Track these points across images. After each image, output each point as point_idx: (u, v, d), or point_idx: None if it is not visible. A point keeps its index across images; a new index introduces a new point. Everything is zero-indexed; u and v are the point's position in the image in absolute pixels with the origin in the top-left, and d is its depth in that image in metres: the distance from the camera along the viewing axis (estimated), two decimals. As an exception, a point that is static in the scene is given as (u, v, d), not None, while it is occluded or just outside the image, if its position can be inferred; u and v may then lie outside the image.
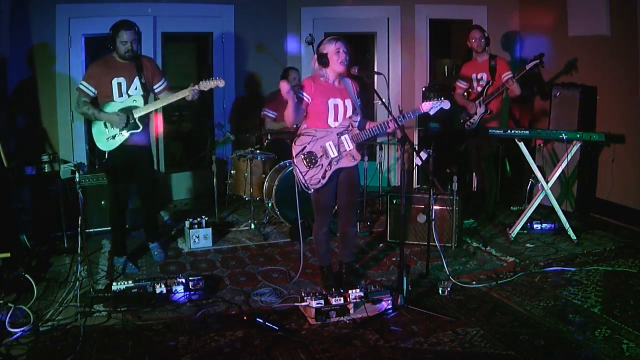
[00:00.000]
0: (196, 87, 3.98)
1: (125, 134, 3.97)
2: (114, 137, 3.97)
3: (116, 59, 3.97)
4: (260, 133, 5.67)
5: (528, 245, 4.63)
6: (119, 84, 3.94)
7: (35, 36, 5.40)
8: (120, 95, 3.96)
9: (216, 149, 6.14)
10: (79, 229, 3.63)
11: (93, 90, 3.94)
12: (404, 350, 2.95)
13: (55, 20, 5.48)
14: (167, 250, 4.54)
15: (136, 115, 3.96)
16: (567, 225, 4.65)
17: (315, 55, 3.49)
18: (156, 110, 4.92)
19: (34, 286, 3.49)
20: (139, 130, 4.00)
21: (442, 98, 3.52)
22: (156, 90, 4.15)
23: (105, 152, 3.99)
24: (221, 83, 4.00)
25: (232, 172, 5.49)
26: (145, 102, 4.03)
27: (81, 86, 3.94)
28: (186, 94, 3.97)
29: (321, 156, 3.52)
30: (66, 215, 4.49)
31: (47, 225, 4.62)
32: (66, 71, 5.59)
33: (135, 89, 4.00)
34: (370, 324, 3.22)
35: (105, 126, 3.97)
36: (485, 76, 5.08)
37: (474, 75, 5.17)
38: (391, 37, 6.72)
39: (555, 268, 4.06)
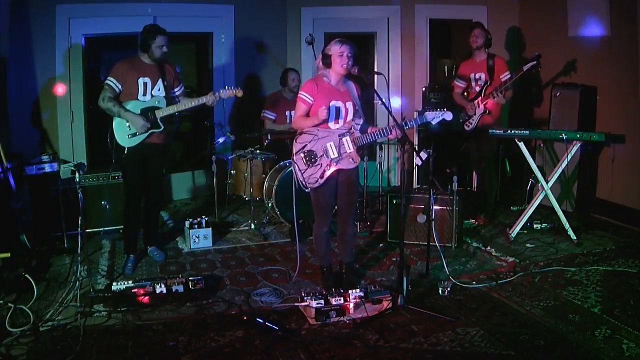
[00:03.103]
0: (217, 94, 4.15)
1: (146, 133, 4.07)
2: (134, 134, 4.05)
3: (142, 60, 4.09)
4: (261, 133, 5.67)
5: (528, 245, 4.63)
6: (145, 84, 4.06)
7: (35, 36, 5.40)
8: (145, 94, 4.07)
9: (216, 149, 6.14)
10: (79, 229, 3.63)
11: (120, 87, 4.04)
12: (404, 350, 2.95)
13: (55, 20, 5.48)
14: (166, 250, 4.54)
15: (158, 116, 4.09)
16: (567, 225, 4.65)
17: (320, 55, 3.51)
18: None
19: (34, 286, 3.49)
20: (160, 130, 4.12)
21: (445, 109, 3.54)
22: (174, 95, 4.26)
23: (125, 147, 4.07)
24: (239, 93, 4.20)
25: (232, 172, 5.50)
26: (167, 104, 4.15)
27: (109, 82, 4.02)
28: (206, 100, 4.15)
29: (321, 156, 3.53)
30: (66, 215, 4.49)
31: (47, 225, 4.62)
32: (66, 71, 5.59)
33: (159, 90, 4.12)
34: (370, 324, 3.22)
35: (127, 123, 4.05)
36: (483, 76, 5.08)
37: (472, 75, 5.17)
38: (391, 37, 6.72)
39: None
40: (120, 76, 4.02)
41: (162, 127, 4.12)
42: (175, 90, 4.26)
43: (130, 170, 4.16)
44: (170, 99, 4.21)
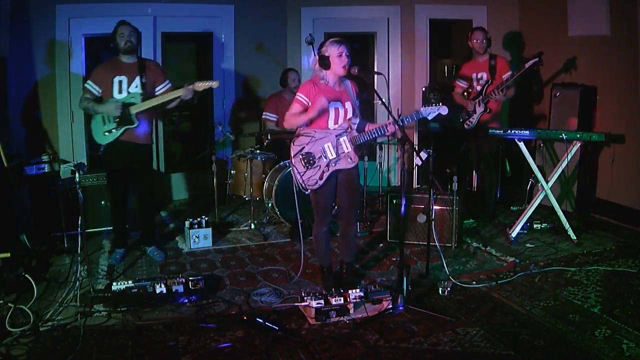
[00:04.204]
0: (191, 86, 4.10)
1: (121, 129, 4.06)
2: (109, 131, 4.07)
3: (120, 60, 4.11)
4: (261, 133, 5.67)
5: (528, 245, 4.63)
6: (120, 82, 4.07)
7: (35, 36, 5.41)
8: (120, 92, 4.08)
9: (216, 149, 6.14)
10: (79, 229, 3.63)
11: (98, 89, 4.07)
12: (404, 350, 2.95)
13: (55, 20, 5.49)
14: (166, 250, 4.54)
15: (132, 111, 4.06)
16: (567, 225, 4.65)
17: (317, 57, 3.49)
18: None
19: (34, 286, 3.49)
20: (134, 126, 4.08)
21: (441, 103, 3.53)
22: (159, 92, 4.23)
23: (101, 145, 4.11)
24: (215, 84, 4.15)
25: (232, 172, 5.50)
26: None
27: (87, 86, 4.09)
28: (180, 93, 4.10)
29: (319, 157, 3.52)
30: (66, 215, 4.49)
31: (47, 225, 4.62)
32: (66, 71, 5.59)
33: (136, 87, 4.11)
34: (370, 324, 3.22)
35: (103, 120, 4.06)
36: (485, 75, 5.08)
37: (474, 75, 5.17)
38: (391, 37, 6.72)
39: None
40: (97, 78, 4.07)
41: (136, 124, 4.07)
42: (160, 87, 4.23)
43: (111, 171, 4.19)
44: (152, 97, 4.17)
